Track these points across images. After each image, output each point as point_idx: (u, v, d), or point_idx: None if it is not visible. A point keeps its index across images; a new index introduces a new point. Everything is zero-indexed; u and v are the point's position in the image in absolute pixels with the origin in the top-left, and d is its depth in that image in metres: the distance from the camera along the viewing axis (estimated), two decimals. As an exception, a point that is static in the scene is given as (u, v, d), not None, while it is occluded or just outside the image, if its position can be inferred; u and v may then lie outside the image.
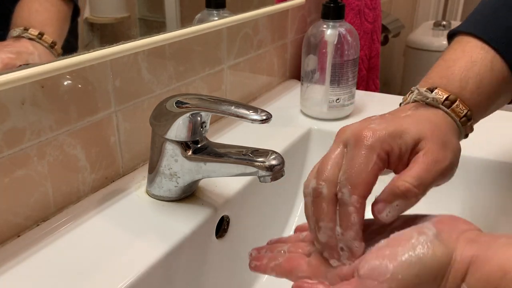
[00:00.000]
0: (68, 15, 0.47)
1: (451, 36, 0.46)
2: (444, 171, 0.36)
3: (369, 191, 0.35)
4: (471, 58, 0.42)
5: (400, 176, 0.35)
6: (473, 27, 0.44)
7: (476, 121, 0.42)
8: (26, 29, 0.42)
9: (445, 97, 0.40)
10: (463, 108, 0.40)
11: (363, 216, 0.35)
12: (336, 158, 0.37)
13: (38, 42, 0.42)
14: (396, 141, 0.36)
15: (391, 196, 0.35)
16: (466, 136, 0.42)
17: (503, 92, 0.43)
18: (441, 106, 0.40)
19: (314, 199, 0.36)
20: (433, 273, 0.31)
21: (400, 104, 0.44)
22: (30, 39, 0.42)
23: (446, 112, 0.40)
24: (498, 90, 0.42)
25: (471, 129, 0.42)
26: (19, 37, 0.42)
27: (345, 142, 0.37)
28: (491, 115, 0.44)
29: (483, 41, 0.42)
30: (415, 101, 0.41)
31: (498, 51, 0.41)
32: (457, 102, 0.40)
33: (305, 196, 0.38)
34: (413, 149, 0.37)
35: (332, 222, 0.35)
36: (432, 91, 0.40)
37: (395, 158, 0.36)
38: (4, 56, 0.40)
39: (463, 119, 0.40)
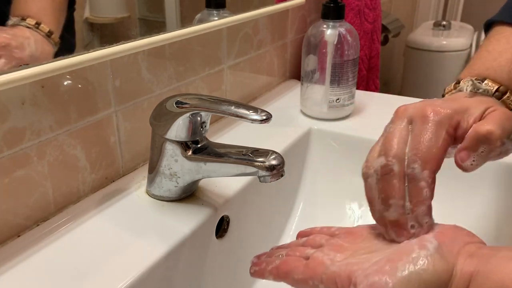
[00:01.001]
0: (64, 4, 0.47)
1: (489, 26, 0.46)
2: None
3: (439, 167, 0.34)
4: None
5: (479, 123, 0.35)
6: None
7: None
8: (23, 19, 0.42)
9: (495, 88, 0.39)
10: None
11: (434, 192, 0.35)
12: (402, 134, 0.36)
13: (35, 31, 0.43)
14: (462, 115, 0.36)
15: (475, 141, 0.34)
16: None
17: None
18: (492, 97, 0.39)
19: (382, 176, 0.35)
20: None
21: (443, 95, 0.43)
22: (28, 27, 0.42)
23: None
24: None
25: None
26: (16, 25, 0.42)
27: (409, 118, 0.36)
28: None
29: None
30: (461, 91, 0.40)
31: None
32: (508, 94, 0.39)
33: (367, 177, 0.37)
34: (481, 118, 0.36)
35: (403, 199, 0.35)
36: (482, 82, 0.40)
37: (462, 132, 0.36)
38: None
39: None
